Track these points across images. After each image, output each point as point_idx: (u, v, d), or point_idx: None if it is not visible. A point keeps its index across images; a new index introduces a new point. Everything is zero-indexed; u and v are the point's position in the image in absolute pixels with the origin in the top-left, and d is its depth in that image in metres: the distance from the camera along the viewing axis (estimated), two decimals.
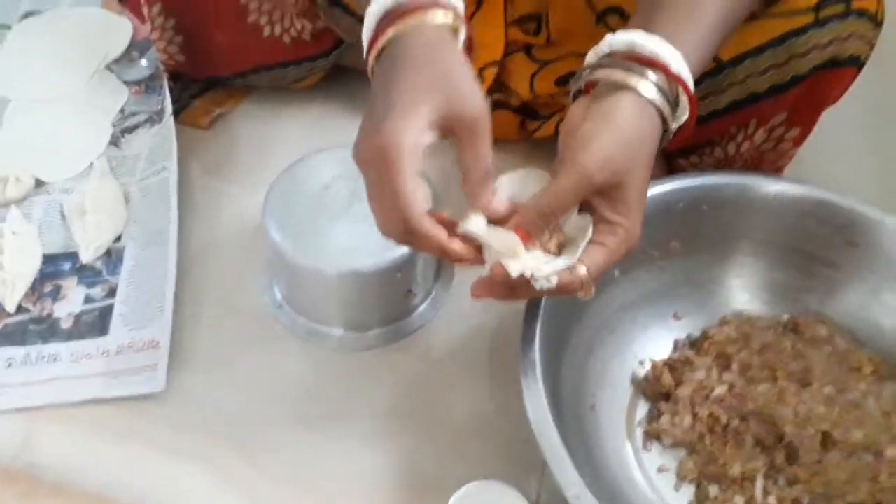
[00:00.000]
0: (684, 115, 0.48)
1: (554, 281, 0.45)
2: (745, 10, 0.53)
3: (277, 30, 0.77)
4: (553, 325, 0.56)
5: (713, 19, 0.49)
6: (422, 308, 0.69)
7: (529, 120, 0.79)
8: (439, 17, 0.46)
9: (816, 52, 0.59)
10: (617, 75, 0.46)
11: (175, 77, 0.82)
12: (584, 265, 0.46)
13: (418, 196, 0.43)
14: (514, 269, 0.45)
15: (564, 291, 0.46)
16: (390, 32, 0.46)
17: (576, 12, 0.70)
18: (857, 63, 0.60)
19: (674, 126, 0.48)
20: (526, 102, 0.78)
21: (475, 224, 0.46)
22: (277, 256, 0.64)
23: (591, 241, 0.46)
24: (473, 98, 0.44)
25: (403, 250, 0.62)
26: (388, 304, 0.66)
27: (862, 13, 0.58)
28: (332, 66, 0.83)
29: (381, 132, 0.43)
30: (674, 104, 0.47)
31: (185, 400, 0.63)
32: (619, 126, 0.45)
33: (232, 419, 0.62)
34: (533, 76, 0.75)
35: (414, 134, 0.43)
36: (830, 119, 0.67)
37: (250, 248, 0.72)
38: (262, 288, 0.70)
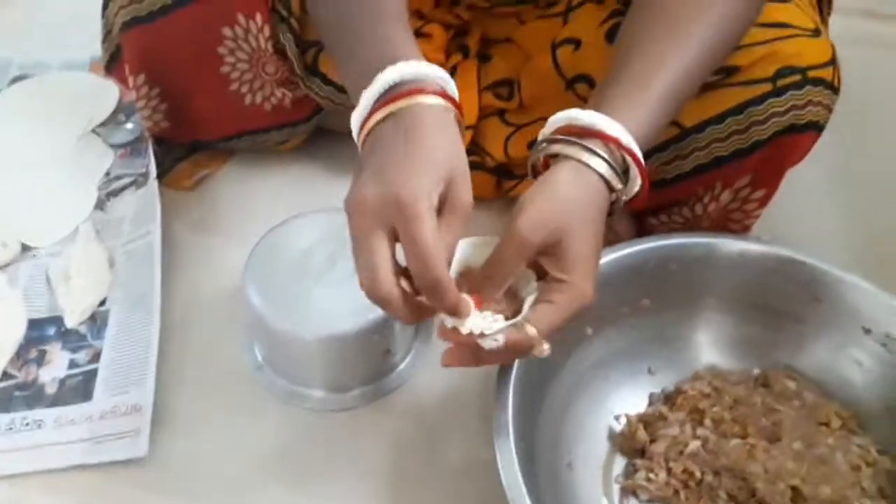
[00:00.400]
0: (636, 179, 0.50)
1: (501, 339, 0.46)
2: (699, 78, 0.55)
3: (258, 98, 0.79)
4: (527, 385, 0.56)
5: (661, 90, 0.51)
6: (402, 366, 0.69)
7: (505, 179, 0.81)
8: (441, 101, 0.49)
9: (776, 118, 0.61)
10: (555, 148, 0.49)
11: (159, 141, 0.83)
12: (530, 323, 0.47)
13: (442, 248, 0.45)
14: (464, 327, 0.46)
15: (516, 350, 0.47)
16: (401, 103, 0.48)
17: (546, 80, 0.72)
18: (816, 128, 0.62)
19: (625, 190, 0.50)
20: (501, 163, 0.80)
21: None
22: (257, 320, 0.65)
23: (539, 301, 0.48)
24: (468, 189, 0.47)
25: (378, 313, 0.62)
26: (367, 365, 0.67)
27: (818, 82, 0.60)
28: (314, 128, 0.85)
29: (396, 183, 0.45)
30: (620, 170, 0.49)
31: (167, 464, 0.63)
32: (553, 190, 0.47)
33: (213, 482, 0.62)
34: (507, 139, 0.78)
35: (430, 190, 0.45)
36: (798, 179, 0.69)
37: (232, 309, 0.73)
38: (242, 349, 0.71)
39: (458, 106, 0.50)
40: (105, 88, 0.91)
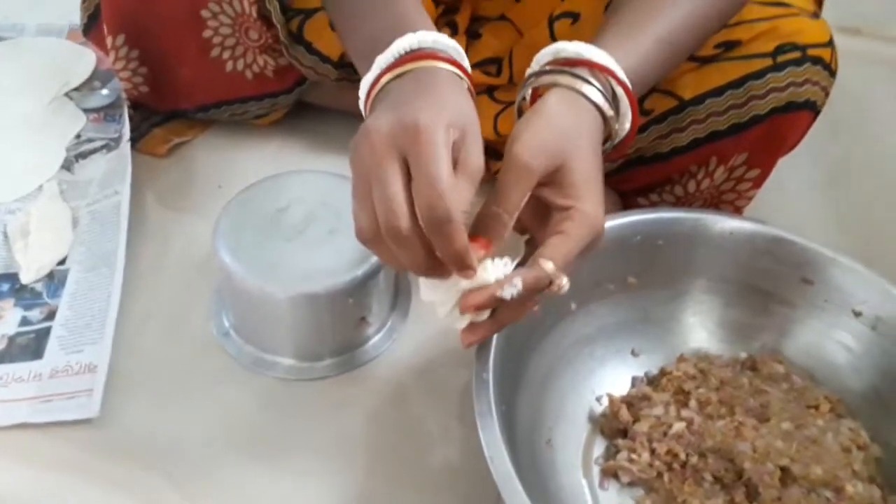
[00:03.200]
0: (627, 114, 0.48)
1: (519, 284, 0.43)
2: (698, 30, 0.54)
3: (240, 65, 0.77)
4: (507, 359, 0.54)
5: (656, 33, 0.51)
6: (376, 338, 0.67)
7: (494, 160, 0.78)
8: (457, 69, 0.47)
9: (775, 94, 0.60)
10: (544, 79, 0.47)
11: (136, 107, 0.80)
12: (545, 257, 0.44)
13: (455, 185, 0.41)
14: (486, 273, 0.43)
15: (535, 291, 0.44)
16: (417, 63, 0.46)
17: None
18: (812, 108, 0.62)
19: (614, 116, 0.48)
20: (490, 143, 0.77)
21: None
22: (226, 278, 0.62)
23: (549, 233, 0.45)
24: (480, 153, 0.44)
25: (356, 273, 0.60)
26: (340, 332, 0.64)
27: (817, 61, 0.60)
28: (295, 103, 0.83)
29: (413, 112, 0.42)
30: (611, 100, 0.48)
31: (120, 427, 0.60)
32: (549, 115, 0.45)
33: (169, 449, 0.59)
34: (496, 116, 0.76)
35: (447, 124, 0.42)
36: (787, 170, 0.69)
37: (200, 278, 0.70)
38: (209, 316, 0.68)
39: (471, 80, 0.49)
40: (81, 55, 0.89)
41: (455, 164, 0.43)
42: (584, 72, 0.47)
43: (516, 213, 0.44)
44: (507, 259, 0.45)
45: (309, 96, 0.83)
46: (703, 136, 0.63)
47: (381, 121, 0.43)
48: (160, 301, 0.69)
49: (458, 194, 0.41)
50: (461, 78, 0.47)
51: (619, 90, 0.48)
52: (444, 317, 0.46)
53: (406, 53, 0.47)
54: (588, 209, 0.45)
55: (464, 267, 0.43)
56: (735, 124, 0.62)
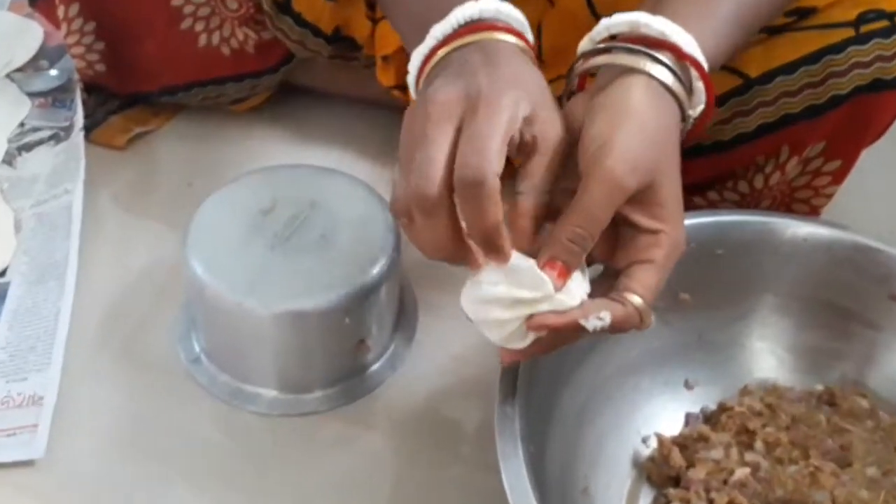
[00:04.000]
0: (700, 103, 0.48)
1: (607, 318, 0.44)
2: (765, 8, 0.54)
3: (215, 39, 0.78)
4: (536, 390, 0.54)
5: (727, 10, 0.50)
6: (377, 366, 0.67)
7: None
8: (521, 42, 0.49)
9: (858, 70, 0.60)
10: (622, 59, 0.46)
11: (91, 90, 0.81)
12: (634, 291, 0.45)
13: (503, 149, 0.42)
14: (571, 296, 0.44)
15: (620, 328, 0.45)
16: (479, 35, 0.47)
17: (575, 24, 0.70)
18: None
19: (691, 115, 0.48)
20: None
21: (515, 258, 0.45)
22: (197, 293, 0.62)
23: (635, 261, 0.46)
24: (557, 123, 0.46)
25: (353, 287, 0.60)
26: (333, 359, 0.64)
27: None
28: (279, 85, 0.83)
29: (479, 82, 0.44)
30: (689, 91, 0.47)
31: (69, 470, 0.60)
32: (639, 118, 0.45)
33: (126, 498, 0.59)
34: None
35: (517, 100, 0.44)
36: (873, 163, 0.69)
37: (166, 293, 0.71)
38: (176, 339, 0.68)
39: (536, 53, 0.50)
40: (26, 29, 0.90)
41: (525, 146, 0.45)
42: (668, 58, 0.46)
43: (598, 235, 0.45)
44: (578, 274, 0.45)
45: (296, 77, 0.83)
46: (773, 121, 0.63)
47: (442, 89, 0.45)
48: (118, 320, 0.69)
49: (527, 179, 0.44)
50: (524, 51, 0.49)
51: (699, 84, 0.47)
52: (499, 339, 0.46)
53: (466, 23, 0.48)
54: (676, 234, 0.46)
55: (493, 248, 0.43)
56: (811, 106, 0.62)
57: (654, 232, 0.45)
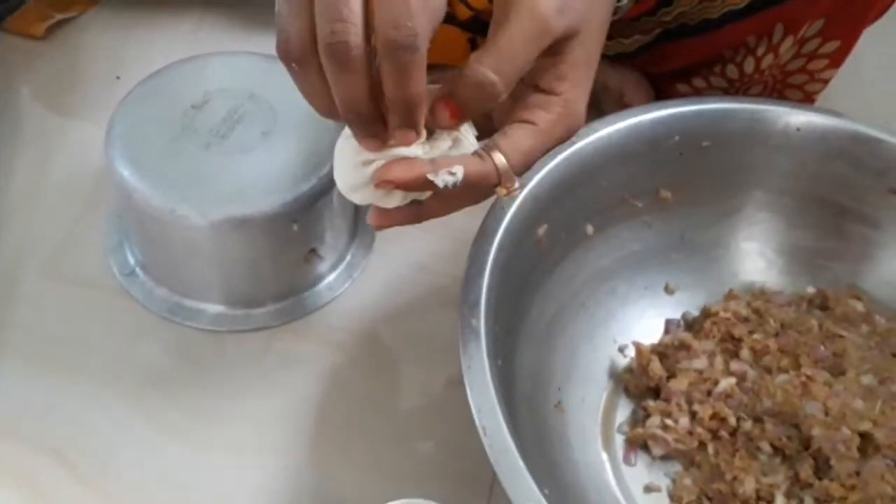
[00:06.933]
0: None
1: (460, 173, 0.41)
2: None
3: None
4: (503, 301, 0.52)
5: None
6: (331, 277, 0.65)
7: (481, 37, 0.75)
8: None
9: None
10: None
11: None
12: (500, 149, 0.41)
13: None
14: (422, 146, 0.41)
15: (476, 188, 0.42)
16: None
17: None
18: None
19: None
20: (477, 14, 0.73)
21: None
22: (125, 200, 0.58)
23: (514, 120, 0.42)
24: None
25: (301, 189, 0.57)
26: (283, 269, 0.62)
27: None
28: None
29: None
30: None
31: None
32: None
33: (60, 426, 0.57)
34: None
35: None
36: (873, 46, 0.67)
37: (94, 200, 0.68)
38: (108, 250, 0.65)
39: None
40: None
41: None
42: None
43: (514, 84, 0.41)
44: (472, 132, 0.43)
45: None
46: None
47: None
48: (40, 232, 0.67)
49: (425, 20, 0.38)
50: None
51: None
52: (350, 193, 0.43)
53: None
54: (574, 101, 0.43)
55: (409, 122, 0.40)
56: None
57: (548, 92, 0.42)
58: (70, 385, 0.59)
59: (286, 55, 0.39)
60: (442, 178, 0.40)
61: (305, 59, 0.39)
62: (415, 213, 0.44)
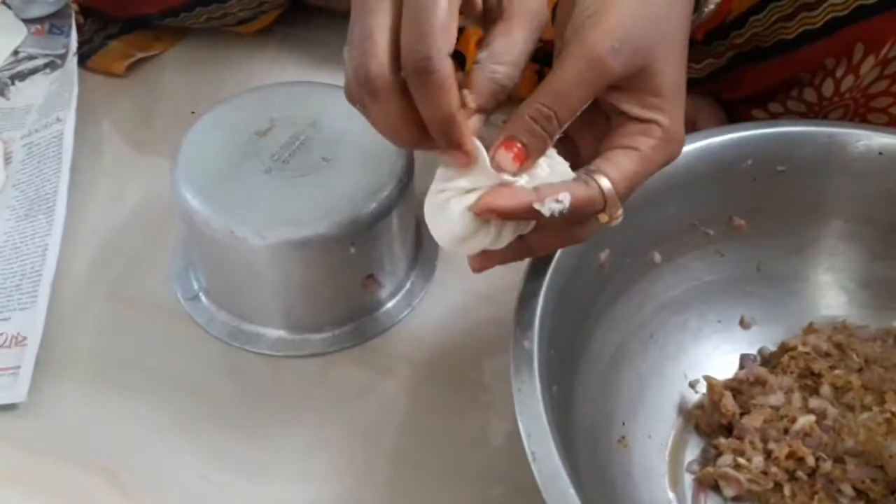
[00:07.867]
0: None
1: (567, 200, 0.40)
2: None
3: None
4: (563, 322, 0.51)
5: None
6: (390, 304, 0.64)
7: (547, 67, 0.74)
8: None
9: None
10: None
11: (88, 14, 0.80)
12: (604, 174, 0.41)
13: (454, 27, 0.39)
14: (523, 175, 0.41)
15: (580, 212, 0.41)
16: None
17: None
18: None
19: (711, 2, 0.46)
20: (543, 44, 0.73)
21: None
22: (188, 223, 0.59)
23: (613, 146, 0.42)
24: None
25: (359, 213, 0.57)
26: (341, 294, 0.62)
27: None
28: (291, 2, 0.81)
29: None
30: None
31: (52, 416, 0.59)
32: None
33: (114, 446, 0.57)
34: None
35: None
36: None
37: (163, 228, 0.69)
38: (173, 276, 0.66)
39: None
40: None
41: (490, 13, 0.42)
42: None
43: (571, 120, 0.41)
44: (546, 165, 0.42)
45: None
46: (844, 15, 0.59)
47: None
48: (111, 257, 0.68)
49: (497, 48, 0.41)
50: None
51: None
52: (457, 245, 0.43)
53: None
54: (672, 128, 0.42)
55: (450, 143, 0.40)
56: None
57: (646, 121, 0.42)
58: (126, 407, 0.59)
59: (348, 98, 0.42)
60: (549, 206, 0.40)
61: (354, 95, 0.41)
62: (521, 249, 0.44)
